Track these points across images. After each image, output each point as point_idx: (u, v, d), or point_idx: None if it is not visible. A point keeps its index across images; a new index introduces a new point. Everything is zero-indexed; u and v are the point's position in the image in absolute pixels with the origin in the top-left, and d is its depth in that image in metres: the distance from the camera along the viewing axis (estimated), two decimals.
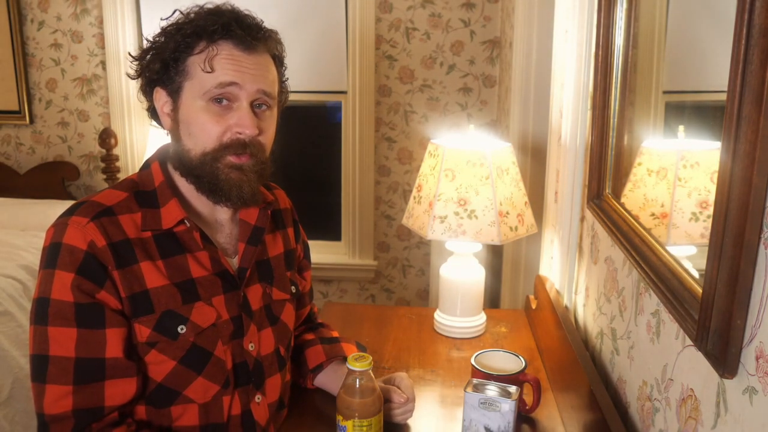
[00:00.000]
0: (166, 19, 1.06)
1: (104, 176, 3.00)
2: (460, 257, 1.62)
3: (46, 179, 3.13)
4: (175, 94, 1.04)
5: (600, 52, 1.20)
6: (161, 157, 1.11)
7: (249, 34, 1.02)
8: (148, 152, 2.83)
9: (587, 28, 1.34)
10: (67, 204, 3.17)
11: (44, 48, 3.06)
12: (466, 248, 1.61)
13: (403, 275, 3.14)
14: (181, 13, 1.05)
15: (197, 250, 1.05)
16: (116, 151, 3.02)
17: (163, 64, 1.02)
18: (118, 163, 3.01)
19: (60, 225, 0.99)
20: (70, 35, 3.04)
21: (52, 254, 0.97)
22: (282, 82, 1.15)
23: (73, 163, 3.17)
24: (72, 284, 0.95)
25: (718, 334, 0.67)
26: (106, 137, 2.95)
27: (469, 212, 1.50)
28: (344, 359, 1.25)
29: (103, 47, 3.02)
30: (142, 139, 3.08)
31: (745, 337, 0.65)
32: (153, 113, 1.10)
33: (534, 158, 2.17)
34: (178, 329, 1.01)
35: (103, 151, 2.98)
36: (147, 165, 1.11)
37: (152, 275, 1.00)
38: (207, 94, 1.00)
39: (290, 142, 3.29)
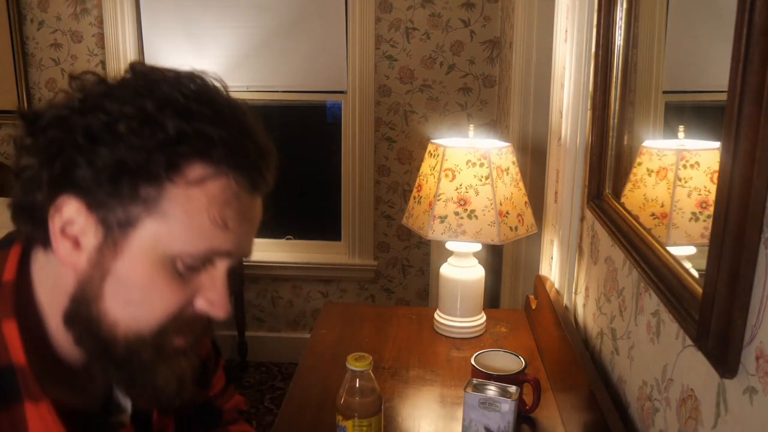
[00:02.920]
0: (74, 78, 0.63)
1: None
2: (460, 257, 1.62)
3: None
4: (116, 228, 0.61)
5: (600, 52, 1.20)
6: (20, 310, 0.65)
7: (267, 166, 0.66)
8: None
9: (587, 28, 1.34)
10: None
11: (44, 48, 3.06)
12: (466, 248, 1.61)
13: (403, 275, 3.14)
14: (140, 83, 0.62)
15: (39, 399, 0.64)
16: None
17: (111, 174, 0.59)
18: None
19: None
20: (70, 35, 3.04)
21: None
22: None
23: None
24: None
25: (718, 334, 0.67)
26: None
27: (469, 212, 1.50)
28: None
29: (103, 47, 3.02)
30: None
31: (745, 337, 0.65)
32: (20, 212, 0.64)
33: (534, 158, 2.17)
34: None
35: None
36: (7, 241, 0.69)
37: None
38: (181, 258, 0.62)
39: (290, 142, 3.30)
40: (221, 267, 0.65)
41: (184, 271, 0.63)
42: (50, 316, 0.67)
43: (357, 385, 1.07)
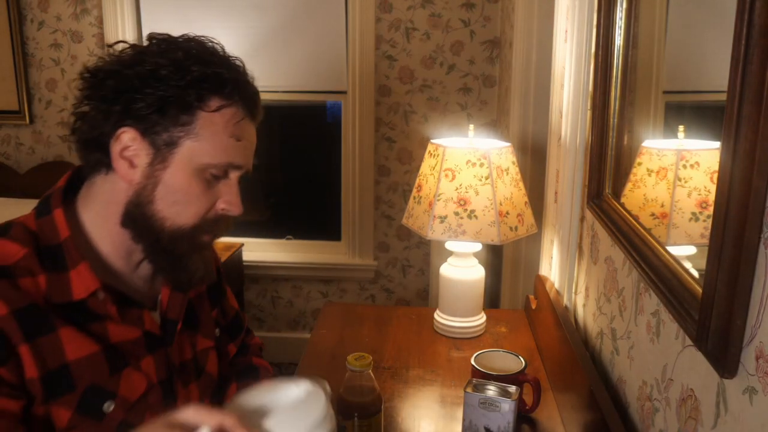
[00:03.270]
0: (112, 45, 0.86)
1: None
2: (460, 257, 1.62)
3: (46, 179, 3.10)
4: (164, 147, 0.83)
5: (600, 52, 1.20)
6: (68, 201, 0.89)
7: (258, 99, 0.88)
8: None
9: (587, 28, 1.34)
10: None
11: (44, 48, 3.06)
12: (466, 248, 1.61)
13: (403, 275, 3.14)
14: (162, 45, 0.84)
15: (111, 318, 0.87)
16: None
17: (159, 106, 0.81)
18: None
19: None
20: (70, 35, 3.04)
21: None
22: None
23: (73, 163, 3.16)
24: None
25: (718, 334, 0.67)
26: None
27: (469, 212, 1.50)
28: None
29: (103, 47, 3.02)
30: None
31: (745, 337, 0.65)
32: (87, 146, 0.87)
33: (534, 158, 2.17)
34: (104, 407, 0.83)
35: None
36: (47, 209, 0.87)
37: (72, 344, 0.81)
38: (211, 168, 0.85)
39: (290, 142, 3.30)
40: (234, 177, 0.88)
41: (210, 179, 0.86)
42: (100, 234, 0.88)
43: (357, 385, 1.07)
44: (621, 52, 1.14)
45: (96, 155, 0.86)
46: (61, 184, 0.90)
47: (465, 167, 1.51)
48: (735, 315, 0.65)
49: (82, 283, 0.83)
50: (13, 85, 3.08)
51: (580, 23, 1.38)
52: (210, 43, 0.87)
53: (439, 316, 1.64)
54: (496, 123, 2.88)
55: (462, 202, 1.50)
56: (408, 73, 2.92)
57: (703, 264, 0.71)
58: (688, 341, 0.80)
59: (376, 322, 1.69)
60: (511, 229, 1.53)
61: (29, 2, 3.01)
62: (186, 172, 0.84)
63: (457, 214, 1.51)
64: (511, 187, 1.54)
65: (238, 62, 0.88)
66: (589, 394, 1.10)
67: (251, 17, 2.86)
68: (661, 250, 0.90)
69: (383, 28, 2.87)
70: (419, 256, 3.11)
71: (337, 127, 3.05)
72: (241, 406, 0.75)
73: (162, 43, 0.84)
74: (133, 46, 0.85)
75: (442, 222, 1.51)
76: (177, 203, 0.85)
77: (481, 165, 1.50)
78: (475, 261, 1.63)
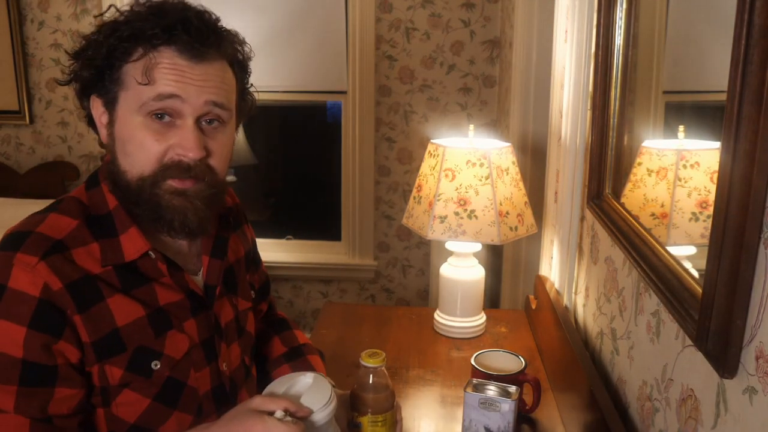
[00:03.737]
0: (100, 15, 0.94)
1: None
2: (460, 257, 1.62)
3: (46, 179, 3.13)
4: (110, 105, 0.91)
5: (600, 52, 1.20)
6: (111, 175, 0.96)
7: (197, 40, 0.88)
8: None
9: (587, 28, 1.34)
10: None
11: (44, 48, 3.06)
12: (466, 248, 1.61)
13: (403, 275, 3.14)
14: (118, 9, 0.91)
15: (161, 276, 0.94)
16: None
17: (96, 71, 0.89)
18: None
19: (2, 263, 0.84)
20: (70, 35, 3.04)
21: None
22: (244, 89, 1.01)
23: (73, 163, 3.17)
24: (23, 340, 0.82)
25: (718, 334, 0.67)
26: None
27: (469, 212, 1.50)
28: None
29: None
30: None
31: (745, 337, 0.65)
32: (91, 123, 0.97)
33: (534, 158, 2.17)
34: (152, 365, 0.91)
35: (103, 151, 2.97)
36: (95, 182, 0.96)
37: (121, 311, 0.89)
38: (144, 107, 0.87)
39: (290, 142, 3.30)
40: (189, 121, 0.89)
41: (159, 127, 0.88)
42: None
43: (370, 382, 1.07)
44: (621, 52, 1.14)
45: (96, 131, 0.96)
46: (108, 159, 0.97)
47: (465, 167, 1.51)
48: (735, 315, 0.65)
49: (132, 245, 0.91)
50: (13, 85, 3.08)
51: (580, 23, 1.38)
52: (164, 2, 0.91)
53: (439, 316, 1.64)
54: (496, 123, 2.88)
55: (462, 202, 1.50)
56: (408, 73, 2.92)
57: (703, 264, 0.71)
58: (688, 341, 0.80)
59: (376, 322, 1.69)
60: (511, 229, 1.53)
61: (29, 2, 3.01)
62: (130, 123, 0.89)
63: (457, 214, 1.51)
64: (511, 187, 1.54)
65: (184, 11, 0.90)
66: (589, 394, 1.10)
67: (251, 17, 2.86)
68: (661, 250, 0.90)
69: (383, 28, 2.87)
70: (419, 256, 3.11)
71: (337, 127, 3.05)
72: (275, 392, 0.94)
73: (135, 7, 0.91)
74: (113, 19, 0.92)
75: (442, 222, 1.51)
76: (129, 154, 0.90)
77: (481, 165, 1.50)
78: (475, 261, 1.63)
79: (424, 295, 3.14)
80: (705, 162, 0.86)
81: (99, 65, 0.89)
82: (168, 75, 0.87)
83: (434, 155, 1.56)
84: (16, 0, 2.98)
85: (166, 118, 0.88)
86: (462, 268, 1.61)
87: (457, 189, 1.50)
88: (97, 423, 0.91)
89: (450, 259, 1.64)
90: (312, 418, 0.91)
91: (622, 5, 1.13)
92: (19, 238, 0.86)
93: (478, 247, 1.61)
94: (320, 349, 1.27)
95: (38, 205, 3.23)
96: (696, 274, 0.80)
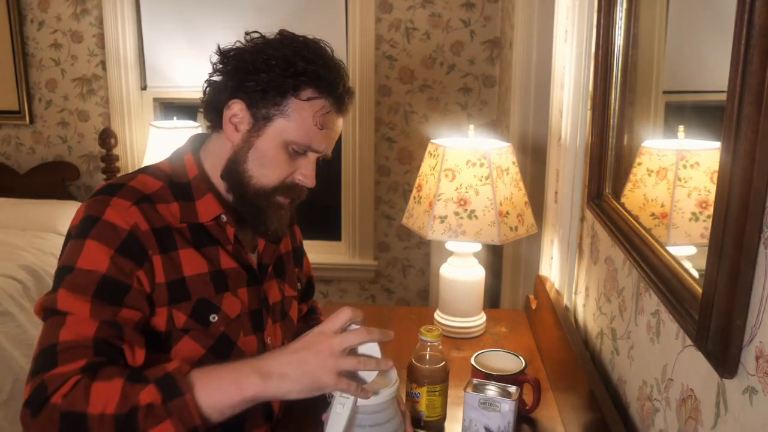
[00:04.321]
0: (249, 33, 1.06)
1: (104, 176, 3.00)
2: (460, 257, 1.62)
3: (46, 179, 3.13)
4: (261, 120, 1.03)
5: (600, 53, 1.20)
6: (194, 150, 1.11)
7: (348, 99, 1.06)
8: (149, 152, 2.83)
9: (587, 28, 1.34)
10: (68, 204, 3.13)
11: (44, 48, 3.06)
12: (466, 248, 1.61)
13: (403, 275, 3.14)
14: (301, 44, 1.03)
15: (227, 243, 1.07)
16: (116, 151, 3.02)
17: (266, 85, 1.01)
18: (118, 163, 3.02)
19: (99, 202, 0.97)
20: (70, 35, 3.04)
21: (87, 225, 0.95)
22: None
23: (73, 163, 3.17)
24: (109, 258, 0.94)
25: (718, 334, 0.67)
26: (106, 137, 2.95)
27: (469, 212, 1.50)
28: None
29: (103, 47, 3.02)
30: (142, 139, 3.08)
31: (745, 337, 0.65)
32: (209, 108, 1.08)
33: (534, 158, 2.17)
34: (210, 318, 1.03)
35: (103, 151, 2.98)
36: (178, 156, 1.11)
37: (189, 263, 1.02)
38: (293, 145, 1.03)
39: None
40: (312, 156, 1.06)
41: (293, 153, 1.04)
42: (215, 179, 1.09)
43: (427, 355, 1.18)
44: (621, 52, 1.14)
45: (213, 116, 1.08)
46: (187, 142, 1.13)
47: (465, 167, 1.51)
48: (735, 315, 0.65)
49: (207, 209, 1.06)
50: (13, 85, 3.08)
51: (580, 23, 1.38)
52: (322, 46, 1.05)
53: (439, 316, 1.64)
54: (496, 123, 2.88)
55: (462, 202, 1.50)
56: (408, 73, 2.92)
57: (703, 264, 0.71)
58: (688, 341, 0.80)
59: (376, 323, 1.68)
60: (511, 229, 1.53)
61: (29, 2, 3.01)
62: (274, 143, 1.03)
63: (457, 214, 1.50)
64: (511, 187, 1.54)
65: (339, 65, 1.06)
66: (589, 394, 1.10)
67: (251, 17, 2.86)
68: (661, 250, 0.90)
69: (383, 28, 2.88)
70: (419, 256, 3.11)
71: None
72: None
73: (285, 39, 1.04)
74: (263, 37, 1.05)
75: (442, 222, 1.51)
76: (263, 166, 1.04)
77: (481, 165, 1.50)
78: (475, 261, 1.63)
79: (424, 295, 3.14)
80: (705, 162, 0.86)
81: (268, 84, 1.00)
82: (325, 128, 1.03)
83: (434, 155, 1.56)
84: (16, 0, 2.98)
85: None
86: (462, 268, 1.61)
87: (457, 189, 1.50)
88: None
89: (450, 259, 1.64)
90: (379, 398, 0.98)
91: (622, 5, 1.12)
92: (115, 186, 1.01)
93: (478, 247, 1.61)
94: None
95: (38, 205, 3.25)
96: (696, 274, 0.80)
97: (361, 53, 2.88)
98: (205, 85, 1.09)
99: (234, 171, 1.06)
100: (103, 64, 3.05)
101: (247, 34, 1.07)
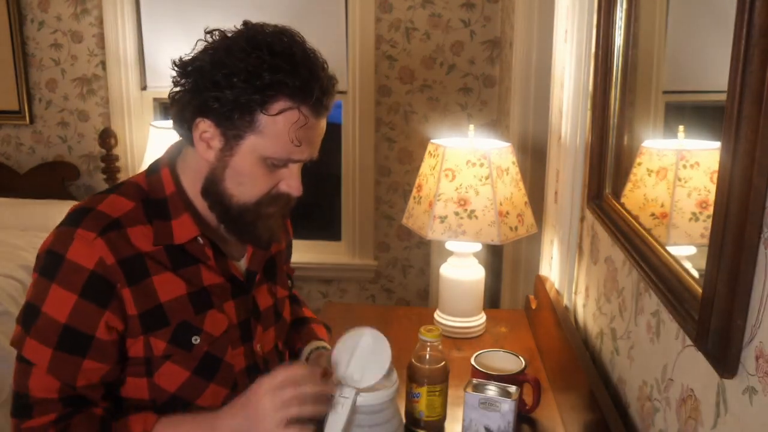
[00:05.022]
0: (209, 32, 0.99)
1: (104, 176, 3.00)
2: (460, 257, 1.62)
3: (46, 179, 3.13)
4: (232, 138, 0.95)
5: (600, 52, 1.20)
6: (171, 164, 1.05)
7: (328, 98, 0.97)
8: (149, 152, 2.83)
9: (587, 28, 1.34)
10: (68, 204, 3.13)
11: (44, 48, 3.06)
12: (466, 248, 1.61)
13: (403, 275, 3.14)
14: (248, 46, 0.94)
15: (207, 260, 1.03)
16: (116, 151, 3.02)
17: (229, 108, 0.93)
18: (118, 163, 3.02)
19: (63, 235, 0.94)
20: (70, 35, 3.04)
21: (52, 266, 0.93)
22: None
23: (73, 163, 3.17)
24: (72, 306, 0.92)
25: (718, 334, 0.67)
26: (106, 137, 2.95)
27: (469, 212, 1.50)
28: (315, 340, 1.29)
29: (103, 47, 3.02)
30: (142, 139, 3.08)
31: (745, 337, 0.65)
32: (177, 123, 1.01)
33: (534, 158, 2.17)
34: (193, 340, 1.00)
35: (103, 151, 2.98)
36: (155, 169, 1.05)
37: (164, 288, 0.98)
38: (271, 160, 0.97)
39: None
40: (296, 165, 1.00)
41: (272, 167, 0.98)
42: (194, 194, 1.03)
43: (427, 355, 1.17)
44: (621, 52, 1.14)
45: (183, 132, 1.01)
46: (167, 151, 1.08)
47: (465, 167, 1.51)
48: (735, 315, 0.65)
49: (183, 230, 1.00)
50: (13, 85, 3.08)
51: (580, 23, 1.38)
52: (290, 44, 0.96)
53: (439, 316, 1.64)
54: (496, 123, 2.88)
55: (462, 202, 1.50)
56: (408, 73, 2.92)
57: (703, 264, 0.71)
58: (688, 341, 0.80)
59: (376, 323, 1.67)
60: (511, 229, 1.53)
61: (29, 2, 3.01)
62: (249, 161, 0.96)
63: (457, 214, 1.50)
64: (511, 187, 1.54)
65: (312, 65, 0.96)
66: (589, 394, 1.10)
67: (251, 17, 2.85)
68: (661, 250, 0.90)
69: (383, 28, 2.87)
70: (419, 256, 3.11)
71: (337, 127, 3.05)
72: (340, 360, 1.03)
73: (249, 42, 0.94)
74: (224, 36, 0.98)
75: (442, 222, 1.51)
76: (242, 184, 0.98)
77: (481, 165, 1.50)
78: (475, 261, 1.63)
79: (424, 295, 3.14)
80: (705, 162, 0.86)
81: (232, 102, 0.92)
82: (303, 137, 0.95)
83: (434, 155, 1.56)
84: (16, 0, 2.98)
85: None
86: (462, 268, 1.61)
87: (457, 189, 1.50)
88: (140, 392, 1.00)
89: (450, 259, 1.64)
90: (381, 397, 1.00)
91: (622, 5, 1.12)
92: (82, 212, 0.96)
93: (478, 247, 1.61)
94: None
95: (38, 205, 3.25)
96: (696, 274, 0.80)
97: (361, 53, 2.87)
98: (170, 100, 1.01)
99: (213, 191, 1.00)
100: (103, 64, 3.05)
101: (207, 33, 0.99)
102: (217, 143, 0.97)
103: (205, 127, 0.96)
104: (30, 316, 0.95)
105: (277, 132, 0.94)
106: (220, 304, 1.04)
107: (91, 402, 0.97)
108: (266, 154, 0.96)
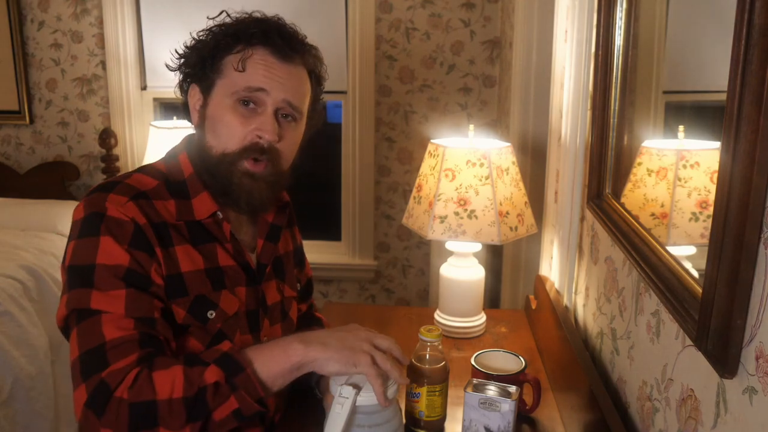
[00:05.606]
0: (213, 18, 1.11)
1: (104, 176, 3.00)
2: (460, 257, 1.62)
3: (46, 179, 3.13)
4: (206, 90, 1.07)
5: (600, 53, 1.20)
6: (189, 150, 1.12)
7: (287, 44, 1.06)
8: (149, 152, 2.83)
9: (587, 29, 1.34)
10: (68, 204, 3.13)
11: (44, 48, 3.06)
12: (466, 248, 1.61)
13: (403, 275, 3.14)
14: (228, 15, 1.09)
15: (225, 241, 1.08)
16: (116, 151, 3.02)
17: (200, 60, 1.07)
18: (118, 163, 3.02)
19: (97, 199, 0.99)
20: (70, 35, 3.04)
21: (95, 224, 0.96)
22: (316, 101, 1.18)
23: (73, 163, 3.17)
24: (126, 252, 0.96)
25: (718, 334, 0.67)
26: (106, 137, 2.95)
27: (469, 212, 1.50)
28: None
29: (103, 47, 3.02)
30: (142, 139, 3.08)
31: (745, 337, 0.65)
32: (185, 110, 1.13)
33: (534, 158, 2.17)
34: (208, 314, 1.04)
35: (103, 151, 2.98)
36: (174, 156, 1.12)
37: (185, 260, 1.03)
38: (235, 95, 1.04)
39: None
40: (269, 110, 1.05)
41: (246, 112, 1.04)
42: (206, 176, 1.08)
43: (427, 355, 1.18)
44: (621, 52, 1.14)
45: (188, 116, 1.13)
46: (182, 140, 1.16)
47: (465, 167, 1.51)
48: (735, 315, 0.65)
49: (203, 207, 1.07)
50: (13, 85, 3.08)
51: (580, 23, 1.38)
52: (255, 13, 1.10)
53: (439, 316, 1.64)
54: (496, 123, 2.88)
55: (462, 202, 1.50)
56: (408, 73, 2.92)
57: (703, 264, 0.71)
58: (688, 341, 0.80)
59: (376, 323, 1.68)
60: (511, 229, 1.53)
61: (29, 2, 3.01)
62: (221, 105, 1.05)
63: (457, 214, 1.51)
64: (511, 187, 1.54)
65: (269, 19, 1.09)
66: (589, 394, 1.10)
67: None
68: (661, 250, 0.90)
69: (383, 28, 2.88)
70: (419, 256, 3.11)
71: (337, 127, 3.05)
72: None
73: (241, 15, 1.10)
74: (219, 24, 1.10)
75: (442, 222, 1.51)
76: (218, 132, 1.05)
77: (481, 165, 1.50)
78: (475, 261, 1.63)
79: (424, 295, 3.14)
80: (705, 162, 0.86)
81: (204, 55, 1.06)
82: (259, 69, 1.03)
83: (434, 155, 1.56)
84: (16, 0, 2.98)
85: (251, 106, 1.04)
86: (462, 268, 1.61)
87: (457, 189, 1.50)
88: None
89: (450, 259, 1.64)
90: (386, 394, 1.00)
91: (622, 5, 1.12)
92: (110, 185, 1.02)
93: (478, 247, 1.61)
94: None
95: (38, 205, 3.25)
96: (696, 274, 0.80)
97: (361, 53, 2.87)
98: (176, 93, 1.15)
99: (199, 152, 1.08)
100: (103, 64, 3.05)
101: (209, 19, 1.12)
102: (199, 103, 1.08)
103: (194, 93, 1.09)
104: (83, 275, 0.95)
105: (239, 68, 1.03)
106: (232, 287, 1.08)
107: (164, 346, 0.98)
108: (230, 90, 1.04)
